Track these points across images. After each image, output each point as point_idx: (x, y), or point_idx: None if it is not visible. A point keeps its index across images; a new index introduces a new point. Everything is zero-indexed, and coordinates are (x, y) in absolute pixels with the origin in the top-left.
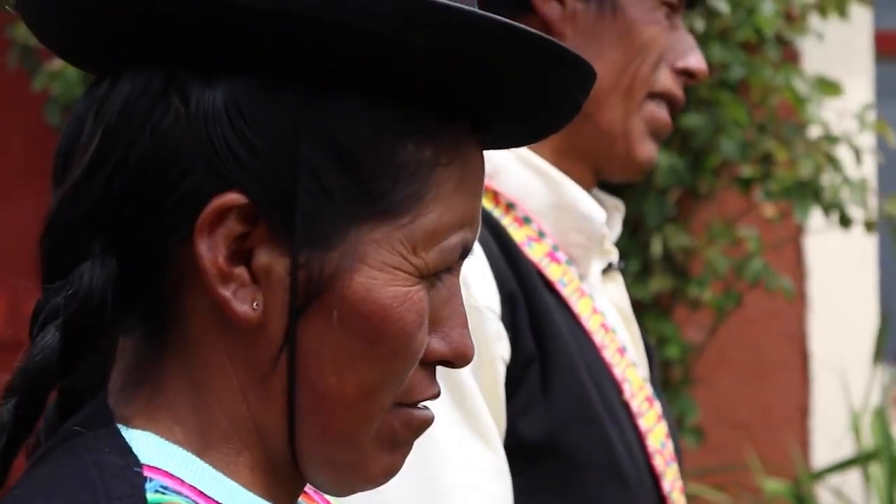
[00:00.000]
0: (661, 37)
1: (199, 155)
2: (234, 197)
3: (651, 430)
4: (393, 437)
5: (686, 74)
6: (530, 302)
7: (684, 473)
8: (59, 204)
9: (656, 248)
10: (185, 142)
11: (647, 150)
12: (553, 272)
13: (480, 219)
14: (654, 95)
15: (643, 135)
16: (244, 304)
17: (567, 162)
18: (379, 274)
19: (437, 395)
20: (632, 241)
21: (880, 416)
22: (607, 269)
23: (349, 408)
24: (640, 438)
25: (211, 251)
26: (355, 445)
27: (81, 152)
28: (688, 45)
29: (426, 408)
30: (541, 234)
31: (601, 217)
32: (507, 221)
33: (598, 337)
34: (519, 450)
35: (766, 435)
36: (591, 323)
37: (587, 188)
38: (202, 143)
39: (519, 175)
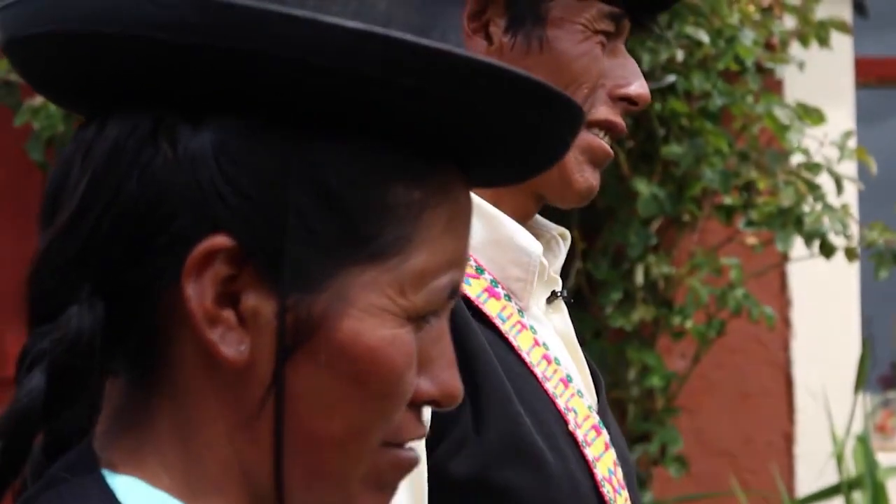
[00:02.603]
0: (593, 66)
1: (187, 198)
2: (221, 240)
3: (599, 458)
4: (379, 478)
5: (626, 101)
6: (460, 341)
7: (637, 498)
8: (47, 247)
9: (639, 277)
10: (174, 185)
11: (585, 177)
12: (491, 307)
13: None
14: (591, 124)
15: (579, 163)
16: (232, 346)
17: (505, 190)
18: (367, 316)
19: (424, 435)
20: (614, 271)
21: (863, 443)
22: (551, 298)
23: (337, 449)
24: (588, 468)
25: (198, 294)
26: (343, 487)
27: (69, 195)
28: (628, 71)
29: (413, 449)
30: (479, 270)
31: (537, 250)
32: None
33: (540, 369)
34: (450, 489)
35: (750, 463)
36: (532, 356)
37: (528, 216)
38: (190, 186)
39: None
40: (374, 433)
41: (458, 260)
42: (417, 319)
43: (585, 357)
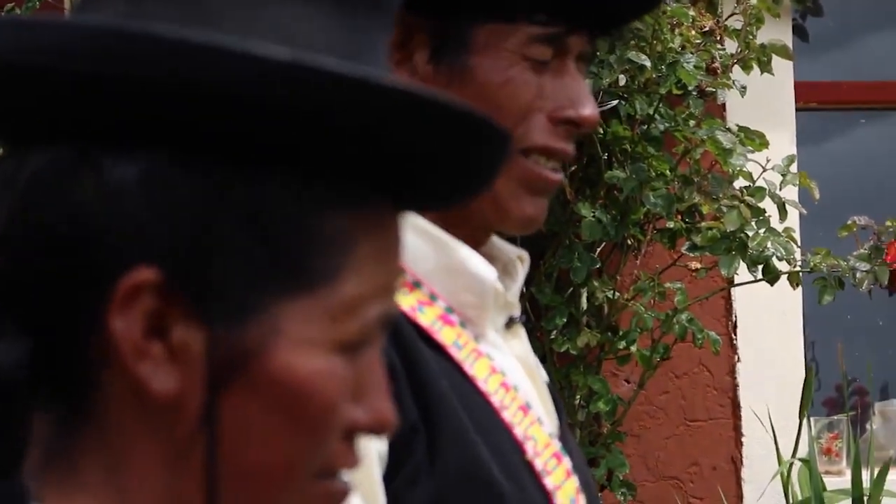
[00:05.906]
0: (521, 93)
1: (112, 230)
2: (148, 273)
3: (560, 486)
4: None
5: (570, 124)
6: (412, 371)
7: None
8: None
9: (583, 302)
10: (99, 217)
11: (523, 207)
12: (446, 335)
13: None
14: (528, 151)
15: (514, 194)
16: (161, 381)
17: (451, 222)
18: (299, 347)
19: (357, 465)
20: (558, 295)
21: (809, 466)
22: (510, 323)
23: (271, 482)
24: (546, 497)
25: (126, 328)
26: None
27: None
28: (573, 92)
29: (345, 481)
30: (432, 297)
31: (491, 276)
32: None
33: (498, 398)
34: None
35: (697, 487)
36: (488, 384)
37: (480, 242)
38: (116, 217)
39: (406, 239)
40: (307, 465)
41: (390, 289)
42: (350, 349)
43: (549, 384)
